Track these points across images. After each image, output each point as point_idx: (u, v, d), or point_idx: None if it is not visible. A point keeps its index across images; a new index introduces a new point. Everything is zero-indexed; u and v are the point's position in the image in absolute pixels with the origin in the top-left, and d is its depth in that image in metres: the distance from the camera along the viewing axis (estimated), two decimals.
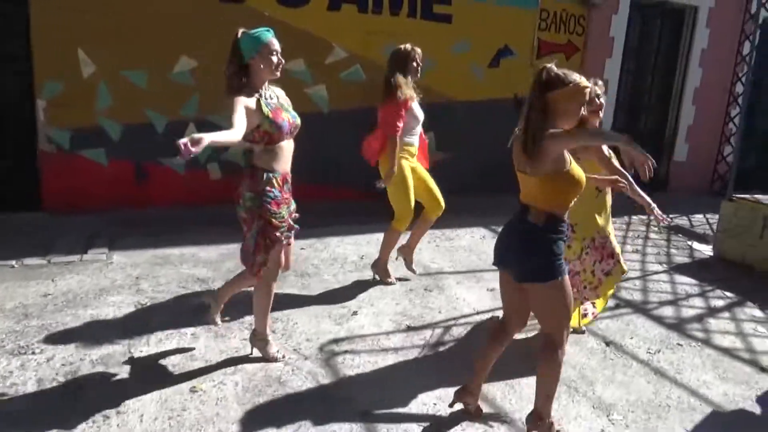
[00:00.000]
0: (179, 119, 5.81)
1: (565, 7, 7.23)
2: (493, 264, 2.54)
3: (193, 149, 2.15)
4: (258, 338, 3.06)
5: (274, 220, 2.76)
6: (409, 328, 3.55)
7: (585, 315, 3.54)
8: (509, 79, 7.12)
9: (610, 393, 2.96)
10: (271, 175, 2.75)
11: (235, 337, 3.31)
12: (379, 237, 5.16)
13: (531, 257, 2.34)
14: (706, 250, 5.59)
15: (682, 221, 6.73)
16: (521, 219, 2.37)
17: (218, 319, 3.28)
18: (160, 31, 5.54)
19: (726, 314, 4.08)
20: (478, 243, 5.37)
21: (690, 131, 8.36)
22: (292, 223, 2.91)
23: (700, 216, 6.99)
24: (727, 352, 3.49)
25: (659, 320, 3.89)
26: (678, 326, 3.81)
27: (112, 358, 3.01)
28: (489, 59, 7.03)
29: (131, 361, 3.00)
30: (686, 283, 4.64)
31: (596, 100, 3.19)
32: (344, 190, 6.49)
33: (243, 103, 2.60)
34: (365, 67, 6.39)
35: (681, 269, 5.00)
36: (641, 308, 4.08)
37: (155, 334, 3.29)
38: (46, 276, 4.05)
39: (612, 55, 7.62)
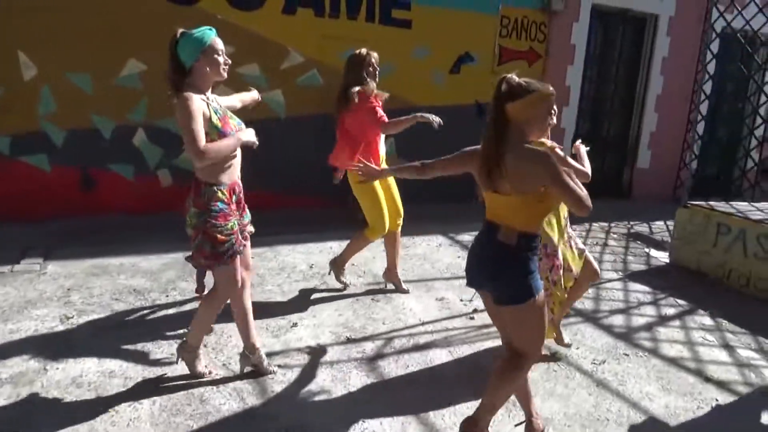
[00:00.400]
0: (127, 124, 5.63)
1: (526, 13, 7.20)
2: (467, 285, 2.42)
3: None
4: (187, 350, 2.87)
5: (219, 235, 2.60)
6: (348, 340, 3.41)
7: None
8: (471, 86, 7.07)
9: (549, 406, 2.85)
10: (215, 188, 2.59)
11: (162, 351, 3.15)
12: (333, 245, 5.07)
13: (505, 280, 2.21)
14: (663, 257, 5.56)
15: (642, 228, 6.71)
16: (490, 239, 2.22)
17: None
18: (107, 33, 5.36)
19: (676, 322, 4.02)
20: (433, 251, 5.26)
21: (653, 138, 8.39)
22: (241, 238, 2.74)
23: (661, 223, 6.98)
24: (673, 362, 3.41)
25: (608, 329, 3.81)
26: (626, 335, 3.74)
27: (23, 377, 2.82)
28: (450, 65, 6.96)
29: (44, 379, 2.81)
30: (640, 291, 4.59)
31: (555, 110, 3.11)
32: (300, 197, 6.36)
33: (198, 103, 2.45)
34: (322, 72, 6.28)
35: (636, 277, 4.95)
36: (591, 317, 4.00)
37: (76, 349, 3.10)
38: None
39: (574, 62, 7.62)
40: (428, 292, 4.24)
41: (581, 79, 7.73)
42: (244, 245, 2.79)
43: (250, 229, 2.88)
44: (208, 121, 2.50)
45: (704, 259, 5.02)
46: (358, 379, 2.98)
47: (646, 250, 5.82)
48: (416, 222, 4.98)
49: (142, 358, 3.06)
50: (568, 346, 3.40)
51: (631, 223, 6.88)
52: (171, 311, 3.68)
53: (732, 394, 3.10)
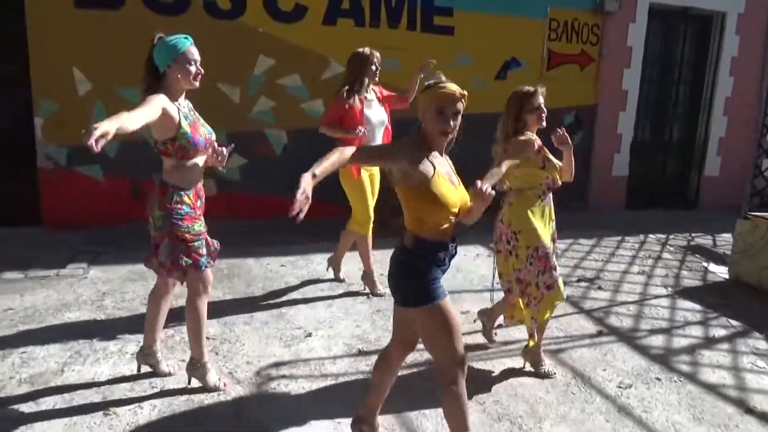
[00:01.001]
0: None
1: (576, 15, 6.92)
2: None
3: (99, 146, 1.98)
4: (194, 367, 2.86)
5: (187, 234, 2.63)
6: (360, 353, 3.34)
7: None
8: None
9: None
10: (182, 192, 2.63)
11: (175, 357, 3.20)
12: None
13: (402, 281, 2.15)
14: (722, 272, 5.12)
15: (705, 240, 6.24)
16: (400, 239, 2.20)
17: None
18: None
19: (725, 345, 3.67)
20: (468, 262, 5.11)
21: (722, 144, 7.82)
22: (210, 240, 2.77)
23: (728, 235, 6.45)
24: (711, 389, 3.10)
25: (643, 350, 3.53)
26: (663, 358, 3.45)
27: (41, 377, 2.94)
28: (495, 71, 6.78)
29: (59, 380, 2.92)
30: (688, 309, 4.24)
31: (542, 107, 3.07)
32: (337, 206, 6.35)
33: (163, 104, 2.50)
34: None
35: (687, 293, 4.58)
36: (626, 336, 3.72)
37: (95, 353, 3.22)
38: (17, 291, 4.07)
39: (630, 65, 7.24)
40: (453, 305, 4.08)
41: (639, 82, 7.31)
42: (216, 249, 2.77)
43: (215, 246, 2.84)
44: (177, 126, 2.54)
45: (766, 275, 4.58)
46: (360, 394, 2.90)
47: (704, 264, 5.39)
48: (456, 231, 4.85)
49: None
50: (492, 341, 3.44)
51: (693, 235, 6.41)
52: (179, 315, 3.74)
53: None
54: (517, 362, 3.29)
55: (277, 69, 6.07)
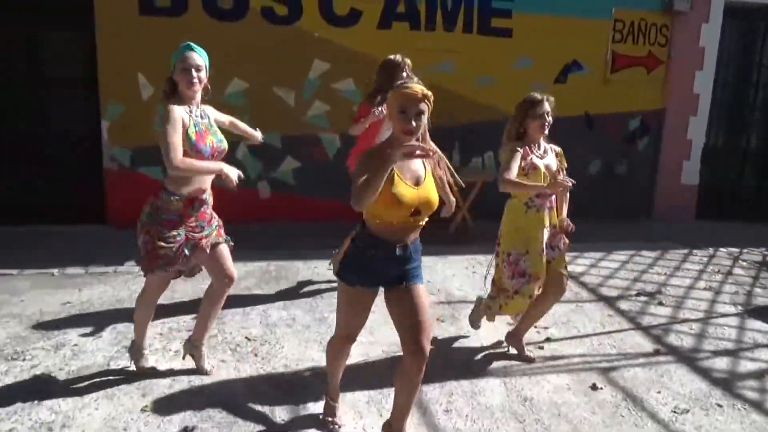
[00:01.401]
0: (231, 139, 5.96)
1: (643, 16, 6.59)
2: None
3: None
4: (193, 344, 3.02)
5: (161, 241, 2.66)
6: (394, 360, 3.27)
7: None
8: (579, 96, 6.61)
9: None
10: (174, 197, 2.67)
11: (216, 356, 3.24)
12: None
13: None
14: None
15: None
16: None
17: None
18: (213, 54, 5.74)
19: None
20: None
21: None
22: (187, 250, 2.74)
23: None
24: None
25: (705, 373, 3.27)
26: (727, 383, 3.18)
27: (87, 370, 3.04)
28: (554, 75, 6.55)
29: (104, 373, 3.01)
30: (760, 330, 3.90)
31: (546, 117, 3.13)
32: None
33: (177, 115, 2.56)
34: None
35: (760, 313, 4.23)
36: (687, 357, 3.46)
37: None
38: (76, 285, 4.26)
39: (703, 67, 6.81)
40: (500, 316, 3.95)
41: (712, 85, 6.87)
42: (185, 257, 2.74)
43: (216, 240, 2.87)
44: (185, 131, 2.58)
45: None
46: (386, 402, 2.83)
47: None
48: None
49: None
50: (531, 360, 3.33)
51: (765, 252, 5.94)
52: (238, 317, 3.78)
53: None
54: (564, 380, 3.12)
55: (332, 73, 6.10)
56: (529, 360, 3.33)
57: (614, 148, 6.87)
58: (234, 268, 2.97)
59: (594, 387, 3.04)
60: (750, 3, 6.77)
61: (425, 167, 2.28)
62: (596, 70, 6.64)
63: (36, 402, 2.72)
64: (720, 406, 2.93)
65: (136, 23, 5.59)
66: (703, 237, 6.21)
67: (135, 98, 5.75)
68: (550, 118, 3.15)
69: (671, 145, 6.94)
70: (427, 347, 2.25)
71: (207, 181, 2.79)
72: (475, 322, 3.56)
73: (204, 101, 2.83)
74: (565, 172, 3.24)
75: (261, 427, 2.60)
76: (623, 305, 4.25)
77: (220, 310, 3.07)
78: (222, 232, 2.94)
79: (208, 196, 2.83)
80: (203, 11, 5.72)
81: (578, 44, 6.52)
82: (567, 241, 3.26)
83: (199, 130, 2.66)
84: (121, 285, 4.31)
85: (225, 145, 2.80)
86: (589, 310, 4.13)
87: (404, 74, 3.89)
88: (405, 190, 2.16)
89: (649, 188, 7.05)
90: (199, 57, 2.69)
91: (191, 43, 2.71)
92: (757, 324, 4.01)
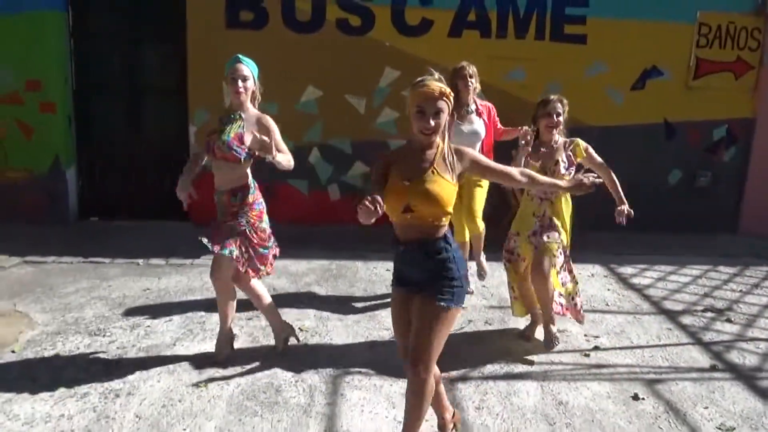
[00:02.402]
0: (304, 143, 6.30)
1: (732, 18, 6.24)
2: None
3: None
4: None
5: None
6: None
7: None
8: (658, 103, 6.37)
9: None
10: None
11: (267, 342, 3.48)
12: None
13: None
14: None
15: None
16: None
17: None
18: (291, 64, 6.11)
19: None
20: (583, 280, 4.81)
21: None
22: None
23: None
24: None
25: (763, 393, 3.09)
26: None
27: (155, 348, 3.38)
28: (632, 81, 6.34)
29: (169, 352, 3.34)
30: None
31: (554, 117, 3.37)
32: None
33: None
34: (489, 92, 6.22)
35: None
36: (745, 375, 3.28)
37: (204, 332, 3.61)
38: (157, 275, 4.70)
39: None
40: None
41: None
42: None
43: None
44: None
45: None
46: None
47: None
48: (574, 250, 4.66)
49: (250, 346, 3.43)
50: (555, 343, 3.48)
51: None
52: (295, 310, 4.02)
53: None
54: (605, 387, 3.08)
55: (403, 81, 6.26)
56: (551, 338, 3.46)
57: (696, 158, 6.53)
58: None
59: (636, 397, 2.98)
60: None
61: (433, 164, 2.20)
62: (678, 76, 6.36)
63: (108, 372, 3.08)
64: None
65: (222, 36, 6.04)
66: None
67: (219, 105, 6.18)
68: (560, 119, 3.35)
69: (762, 156, 6.50)
70: (420, 373, 2.15)
71: (220, 179, 3.18)
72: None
73: (261, 109, 3.11)
74: (597, 159, 3.47)
75: (301, 411, 2.79)
76: (686, 320, 4.07)
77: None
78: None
79: (222, 195, 3.20)
80: (283, 24, 6.09)
81: (658, 49, 6.28)
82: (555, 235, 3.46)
83: (221, 132, 3.03)
84: (195, 276, 4.69)
85: (225, 148, 3.04)
86: (647, 322, 4.00)
87: (464, 80, 4.06)
88: (393, 186, 2.18)
89: (736, 202, 6.63)
90: (247, 68, 2.96)
91: (240, 56, 2.99)
92: None
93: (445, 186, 2.18)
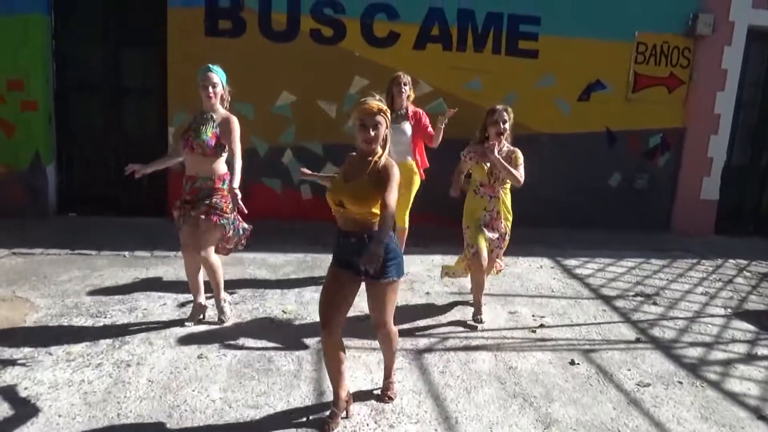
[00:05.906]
0: (278, 145, 6.72)
1: (666, 39, 6.98)
2: None
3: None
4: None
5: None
6: (409, 335, 3.86)
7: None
8: (601, 113, 7.06)
9: (564, 411, 3.01)
10: None
11: (255, 322, 3.92)
12: (435, 258, 5.52)
13: None
14: None
15: None
16: None
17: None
18: (266, 70, 6.52)
19: (766, 363, 3.75)
20: (531, 271, 5.42)
21: None
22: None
23: None
24: (731, 396, 3.27)
25: (676, 359, 3.73)
26: (693, 366, 3.63)
27: (156, 327, 3.78)
28: (578, 93, 7.02)
29: (169, 331, 3.73)
30: (741, 329, 4.30)
31: (501, 124, 3.89)
32: (426, 215, 6.89)
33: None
34: (448, 100, 6.79)
35: (747, 316, 4.60)
36: (664, 345, 3.92)
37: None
38: (144, 265, 5.05)
39: (725, 87, 7.13)
40: (504, 306, 4.49)
41: (734, 105, 7.18)
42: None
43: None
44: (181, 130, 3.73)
45: None
46: (398, 364, 3.42)
47: None
48: (521, 245, 5.23)
49: (242, 323, 3.86)
50: (479, 322, 4.08)
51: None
52: (276, 296, 4.46)
53: None
54: (547, 356, 3.65)
55: (371, 88, 6.58)
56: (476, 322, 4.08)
57: (634, 163, 7.26)
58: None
59: (572, 362, 3.56)
60: None
61: (367, 172, 2.59)
62: (618, 89, 7.07)
63: (117, 347, 3.47)
64: (680, 383, 3.39)
65: (201, 43, 6.40)
66: (716, 250, 6.53)
67: (197, 108, 6.55)
68: (506, 126, 3.86)
69: (691, 162, 7.27)
70: (383, 329, 2.85)
71: (188, 166, 3.76)
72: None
73: (237, 112, 3.77)
74: (518, 168, 3.97)
75: (291, 375, 3.24)
76: (618, 303, 4.71)
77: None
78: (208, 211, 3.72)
79: (200, 181, 3.74)
80: (259, 33, 6.50)
81: (602, 65, 6.97)
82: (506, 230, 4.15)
83: (193, 129, 3.60)
84: (180, 267, 5.01)
85: (196, 144, 3.61)
86: (586, 305, 4.61)
87: (398, 87, 4.62)
88: (336, 183, 2.70)
89: (668, 202, 7.39)
90: (216, 76, 3.48)
91: (210, 65, 3.46)
92: (741, 324, 4.40)
93: (370, 192, 2.58)
